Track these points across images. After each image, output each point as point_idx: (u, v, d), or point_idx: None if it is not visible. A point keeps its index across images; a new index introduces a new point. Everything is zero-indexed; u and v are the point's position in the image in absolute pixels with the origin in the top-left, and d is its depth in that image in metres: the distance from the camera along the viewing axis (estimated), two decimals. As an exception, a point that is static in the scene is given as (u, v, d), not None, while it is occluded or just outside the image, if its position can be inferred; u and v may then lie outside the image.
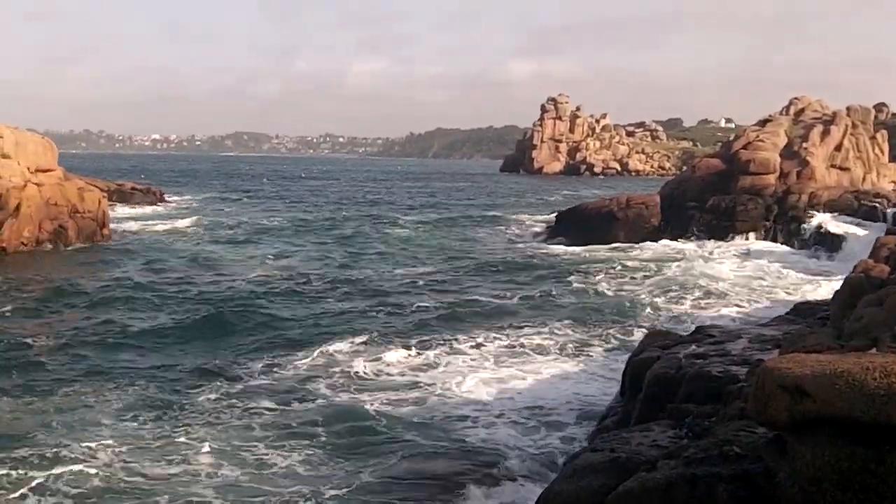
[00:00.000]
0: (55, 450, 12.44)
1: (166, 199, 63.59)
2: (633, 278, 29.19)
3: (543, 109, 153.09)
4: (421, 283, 28.72)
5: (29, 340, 19.30)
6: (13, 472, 11.61)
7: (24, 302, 23.99)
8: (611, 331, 21.14)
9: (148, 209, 55.95)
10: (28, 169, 36.64)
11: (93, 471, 11.77)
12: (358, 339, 19.80)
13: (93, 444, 12.72)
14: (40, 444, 12.75)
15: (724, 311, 23.89)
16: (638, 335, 20.26)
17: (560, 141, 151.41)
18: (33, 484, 11.30)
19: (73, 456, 12.25)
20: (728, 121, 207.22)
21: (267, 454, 12.66)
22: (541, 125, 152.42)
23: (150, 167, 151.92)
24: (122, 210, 52.20)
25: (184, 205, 62.27)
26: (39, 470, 11.72)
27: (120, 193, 58.62)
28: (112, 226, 41.10)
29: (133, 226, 44.35)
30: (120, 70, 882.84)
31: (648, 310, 23.89)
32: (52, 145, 40.47)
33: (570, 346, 19.62)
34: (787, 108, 45.25)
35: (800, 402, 5.88)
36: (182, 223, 47.65)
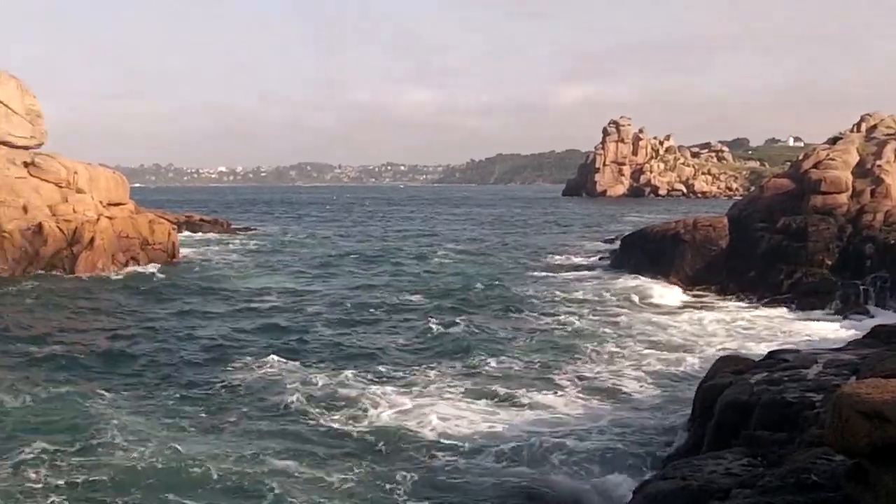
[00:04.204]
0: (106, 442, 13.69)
1: (234, 228, 64.90)
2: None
3: (605, 132, 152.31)
4: (447, 314, 27.00)
5: (73, 345, 21.46)
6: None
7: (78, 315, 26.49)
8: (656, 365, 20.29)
9: (216, 237, 57.07)
10: (101, 203, 38.01)
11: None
12: (380, 365, 19.75)
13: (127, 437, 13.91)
14: (84, 434, 13.98)
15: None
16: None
17: (623, 164, 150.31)
18: (63, 466, 12.57)
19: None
20: (797, 139, 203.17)
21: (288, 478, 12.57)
22: (603, 148, 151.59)
23: (219, 199, 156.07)
24: (190, 239, 53.40)
25: (250, 234, 63.35)
26: (78, 458, 12.95)
27: (189, 224, 60.10)
28: (182, 252, 42.30)
29: (201, 255, 45.32)
30: (185, 104, 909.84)
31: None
32: (124, 179, 41.87)
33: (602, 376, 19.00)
34: (859, 124, 43.93)
35: (880, 428, 5.66)
36: (245, 250, 48.88)
